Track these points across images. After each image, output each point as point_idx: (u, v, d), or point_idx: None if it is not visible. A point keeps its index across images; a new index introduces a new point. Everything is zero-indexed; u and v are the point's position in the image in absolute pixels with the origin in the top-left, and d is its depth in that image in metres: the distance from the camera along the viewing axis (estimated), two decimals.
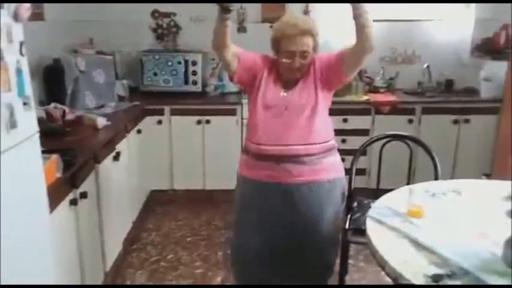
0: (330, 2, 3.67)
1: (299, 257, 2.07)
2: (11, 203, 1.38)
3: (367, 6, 1.83)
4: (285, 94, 2.01)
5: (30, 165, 1.53)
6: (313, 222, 2.02)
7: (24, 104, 1.47)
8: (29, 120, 1.51)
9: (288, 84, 2.04)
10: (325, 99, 2.04)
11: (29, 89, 1.50)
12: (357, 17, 1.83)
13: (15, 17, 1.43)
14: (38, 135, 1.56)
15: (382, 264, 1.38)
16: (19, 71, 1.46)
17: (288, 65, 1.98)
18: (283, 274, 2.11)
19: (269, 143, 1.96)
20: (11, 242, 1.36)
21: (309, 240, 2.04)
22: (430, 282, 1.21)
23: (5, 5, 1.37)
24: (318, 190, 2.01)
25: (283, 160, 1.96)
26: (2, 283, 1.29)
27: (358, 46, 1.89)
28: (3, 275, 1.30)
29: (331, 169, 2.05)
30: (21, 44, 1.48)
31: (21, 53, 1.47)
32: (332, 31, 3.43)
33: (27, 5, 1.46)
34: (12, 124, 1.40)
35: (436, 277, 1.23)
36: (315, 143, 1.99)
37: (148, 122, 3.48)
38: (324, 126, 2.04)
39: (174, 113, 3.55)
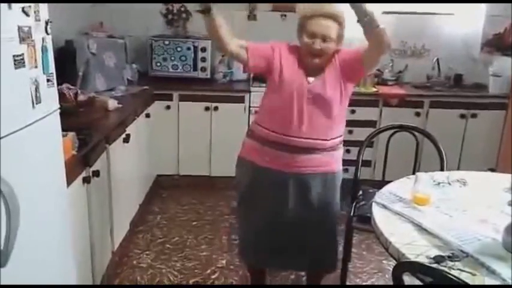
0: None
1: (306, 246, 2.10)
2: (33, 175, 1.43)
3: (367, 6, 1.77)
4: (311, 83, 1.96)
5: (51, 140, 1.58)
6: (322, 212, 2.05)
7: (48, 80, 1.52)
8: (51, 97, 1.56)
9: (311, 72, 1.98)
10: (347, 93, 2.02)
11: (52, 66, 1.55)
12: (365, 24, 1.78)
13: None
14: (58, 111, 1.61)
15: (386, 245, 1.42)
16: (45, 49, 1.51)
17: (309, 47, 1.93)
18: (289, 262, 2.16)
19: (292, 134, 1.94)
20: (32, 213, 1.41)
21: (317, 229, 2.07)
22: (432, 263, 1.25)
23: None
24: (328, 181, 2.03)
25: (298, 151, 1.95)
26: (20, 254, 1.33)
27: (372, 45, 1.86)
28: (24, 245, 1.35)
29: (338, 161, 2.08)
30: (47, 22, 1.53)
31: (46, 32, 1.52)
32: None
33: None
34: (38, 99, 1.45)
35: (438, 258, 1.27)
36: (334, 138, 2.00)
37: (157, 106, 3.52)
38: (343, 120, 2.06)
39: (182, 98, 3.59)
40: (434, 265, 1.24)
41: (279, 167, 1.99)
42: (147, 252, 2.81)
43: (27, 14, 1.43)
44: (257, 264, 2.29)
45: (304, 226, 2.06)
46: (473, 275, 1.22)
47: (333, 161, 2.04)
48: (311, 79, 1.98)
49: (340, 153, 2.08)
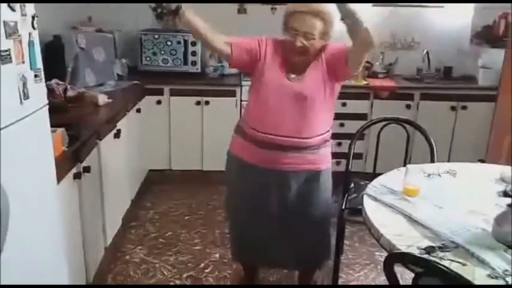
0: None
1: (295, 241, 2.11)
2: (22, 172, 1.42)
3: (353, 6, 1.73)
4: (291, 81, 1.93)
5: (40, 136, 1.57)
6: (306, 211, 2.05)
7: (36, 76, 1.51)
8: (39, 92, 1.55)
9: (295, 69, 1.95)
10: (332, 91, 1.98)
11: (40, 62, 1.54)
12: (346, 19, 1.74)
13: None
14: (47, 107, 1.60)
15: (377, 237, 1.44)
16: (31, 44, 1.49)
17: (290, 44, 1.90)
18: (280, 257, 2.17)
19: (272, 132, 1.93)
20: (22, 210, 1.40)
21: (303, 224, 2.07)
22: (423, 254, 1.26)
23: None
24: (312, 179, 2.02)
25: (279, 149, 1.94)
26: (11, 252, 1.32)
27: (356, 45, 1.80)
28: (14, 243, 1.34)
29: (325, 159, 2.06)
30: (33, 17, 1.51)
31: (33, 27, 1.50)
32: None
33: None
34: (25, 95, 1.44)
35: (428, 249, 1.28)
36: (317, 135, 1.98)
37: (148, 101, 3.49)
38: (328, 117, 2.03)
39: (173, 93, 3.57)
40: (425, 256, 1.25)
41: (261, 164, 1.98)
42: (140, 247, 2.81)
43: (12, 9, 1.40)
44: (248, 260, 2.31)
45: (288, 225, 2.07)
46: (464, 265, 1.24)
47: (318, 160, 2.01)
48: (293, 76, 1.95)
49: (326, 151, 2.05)
